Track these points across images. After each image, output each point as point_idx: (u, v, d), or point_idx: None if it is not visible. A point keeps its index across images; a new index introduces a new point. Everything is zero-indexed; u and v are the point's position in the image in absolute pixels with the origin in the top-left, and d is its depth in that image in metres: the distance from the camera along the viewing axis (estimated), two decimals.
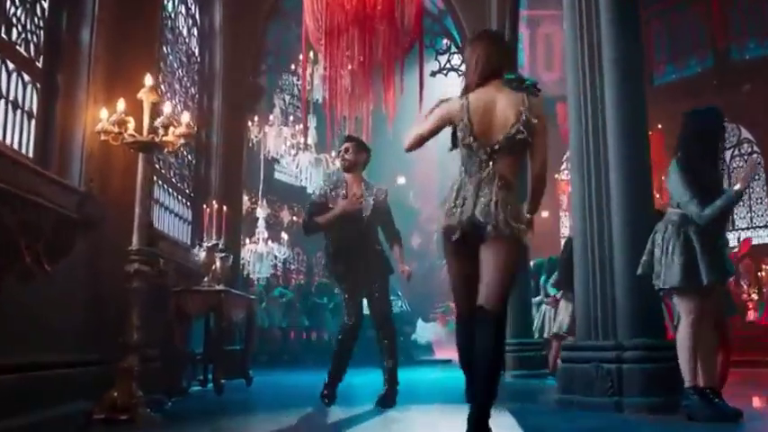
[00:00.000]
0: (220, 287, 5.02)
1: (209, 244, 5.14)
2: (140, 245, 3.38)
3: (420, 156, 15.35)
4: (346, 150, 4.15)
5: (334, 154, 9.33)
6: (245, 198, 11.21)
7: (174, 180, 6.18)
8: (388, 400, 3.99)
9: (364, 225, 4.03)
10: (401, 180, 17.19)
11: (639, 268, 3.38)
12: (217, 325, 4.94)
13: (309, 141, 9.62)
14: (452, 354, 5.95)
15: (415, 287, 12.78)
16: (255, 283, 10.75)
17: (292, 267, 14.76)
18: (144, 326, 3.29)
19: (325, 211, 4.06)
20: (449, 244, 2.38)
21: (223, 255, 5.79)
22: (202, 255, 5.15)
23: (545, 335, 7.06)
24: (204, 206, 5.73)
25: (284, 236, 11.87)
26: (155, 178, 5.38)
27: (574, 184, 4.16)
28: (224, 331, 4.91)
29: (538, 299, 7.47)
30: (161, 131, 3.49)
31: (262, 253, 10.59)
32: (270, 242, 10.88)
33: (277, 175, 15.17)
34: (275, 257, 11.12)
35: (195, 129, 5.04)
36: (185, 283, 5.30)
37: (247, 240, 10.70)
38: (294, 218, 14.74)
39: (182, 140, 3.63)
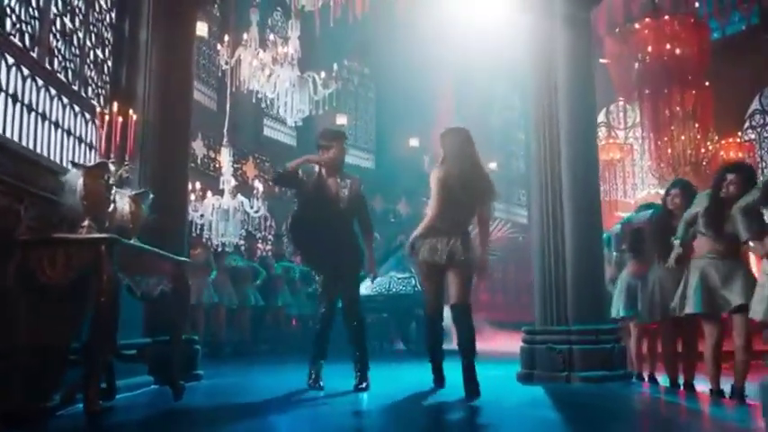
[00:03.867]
0: (103, 235, 3.34)
1: (93, 164, 3.50)
2: None
3: (440, 117, 13.91)
4: (327, 148, 4.72)
5: (323, 74, 8.04)
6: (226, 152, 9.78)
7: (60, 75, 4.37)
8: (362, 379, 4.64)
9: (341, 209, 4.62)
10: (414, 142, 15.78)
11: None
12: (97, 300, 3.20)
13: (291, 50, 7.98)
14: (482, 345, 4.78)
15: None
16: (216, 248, 9.02)
17: (258, 236, 12.49)
18: None
19: (295, 179, 4.68)
20: None
21: (135, 192, 4.13)
22: (78, 181, 3.40)
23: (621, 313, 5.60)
24: (98, 109, 3.92)
25: (258, 185, 9.88)
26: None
27: None
28: (103, 310, 3.19)
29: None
30: None
31: (227, 209, 8.98)
32: (239, 195, 9.26)
33: (268, 132, 13.58)
34: (246, 215, 9.45)
35: None
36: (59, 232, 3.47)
37: (209, 194, 9.17)
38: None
39: None
